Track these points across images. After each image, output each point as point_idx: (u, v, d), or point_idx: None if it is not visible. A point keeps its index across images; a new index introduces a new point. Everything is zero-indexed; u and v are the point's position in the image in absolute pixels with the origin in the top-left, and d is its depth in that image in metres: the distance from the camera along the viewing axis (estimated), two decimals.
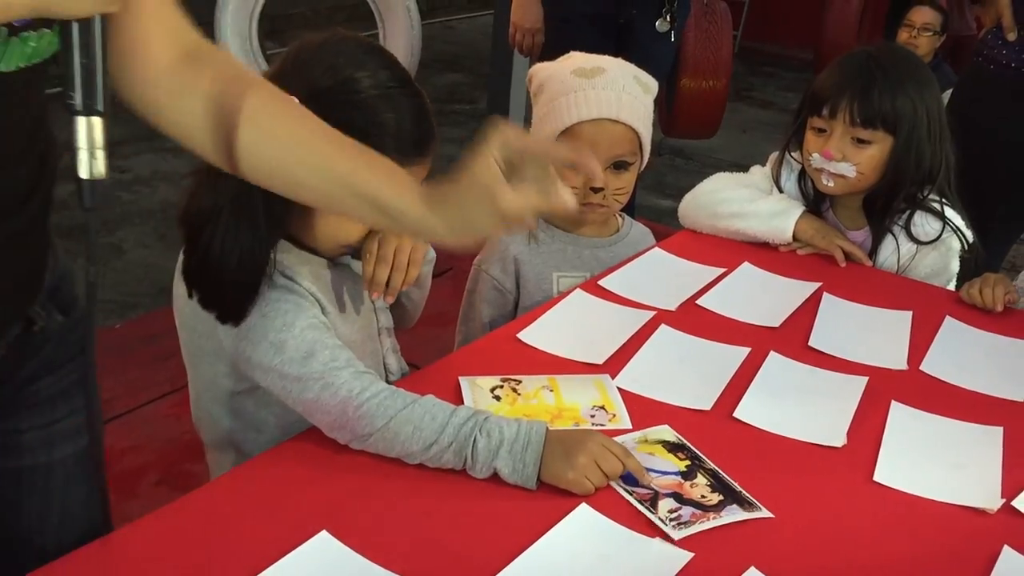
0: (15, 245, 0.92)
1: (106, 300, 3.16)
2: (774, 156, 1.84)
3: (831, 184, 1.70)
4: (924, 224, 1.71)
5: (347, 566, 0.95)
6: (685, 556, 1.00)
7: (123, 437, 2.33)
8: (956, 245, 1.73)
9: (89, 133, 0.80)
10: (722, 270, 1.66)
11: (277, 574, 0.93)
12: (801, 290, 1.61)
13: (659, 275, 1.62)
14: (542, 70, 1.62)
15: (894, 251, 1.73)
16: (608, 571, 0.98)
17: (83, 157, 0.80)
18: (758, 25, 8.06)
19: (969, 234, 1.72)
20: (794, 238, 1.74)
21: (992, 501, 1.11)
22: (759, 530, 1.05)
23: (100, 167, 0.81)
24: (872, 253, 1.74)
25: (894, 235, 1.73)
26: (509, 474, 1.08)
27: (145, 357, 2.62)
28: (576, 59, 1.60)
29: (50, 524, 1.07)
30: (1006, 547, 1.04)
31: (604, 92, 1.53)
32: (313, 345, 1.13)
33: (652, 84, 1.62)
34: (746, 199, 1.76)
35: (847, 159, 1.66)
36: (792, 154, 1.80)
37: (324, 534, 0.98)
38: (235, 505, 1.03)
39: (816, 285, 1.62)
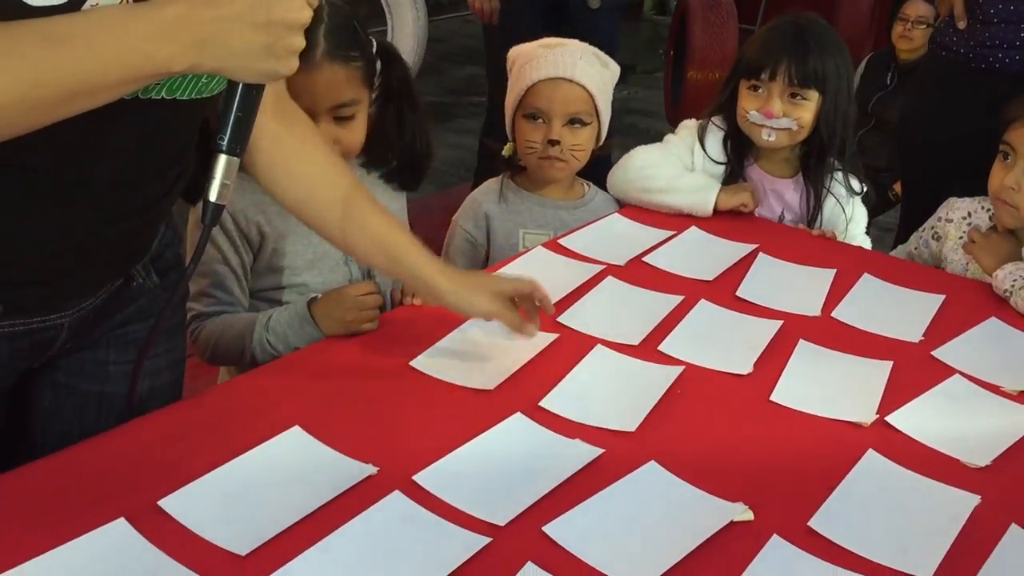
0: (137, 230, 1.14)
1: None
2: (691, 123, 2.05)
3: (772, 138, 1.91)
4: (853, 179, 1.98)
5: (314, 453, 1.16)
6: (596, 451, 1.20)
7: None
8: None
9: (227, 169, 1.01)
10: (672, 232, 1.86)
11: (252, 459, 1.13)
12: (739, 250, 1.80)
13: (615, 236, 1.82)
14: (516, 49, 1.87)
15: (836, 205, 1.97)
16: (533, 464, 1.18)
17: (215, 186, 1.01)
18: (775, 16, 8.18)
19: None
20: (715, 210, 1.93)
21: (867, 416, 1.31)
22: (663, 435, 1.25)
23: (227, 195, 1.01)
24: (813, 213, 1.96)
25: (834, 194, 1.96)
26: (304, 343, 1.42)
27: None
28: (545, 39, 1.83)
29: None
30: (870, 450, 1.23)
31: (561, 57, 1.78)
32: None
33: (613, 65, 1.86)
34: (673, 176, 1.95)
35: (787, 115, 1.88)
36: (714, 120, 2.01)
37: (296, 429, 1.19)
38: (221, 410, 1.25)
39: (754, 246, 1.82)
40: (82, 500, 1.05)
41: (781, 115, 1.88)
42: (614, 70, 1.88)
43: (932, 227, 1.98)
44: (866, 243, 2.06)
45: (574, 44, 1.83)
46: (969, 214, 1.93)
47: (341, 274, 1.59)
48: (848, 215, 1.99)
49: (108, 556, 0.97)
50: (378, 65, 1.58)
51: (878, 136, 3.99)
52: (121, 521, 1.01)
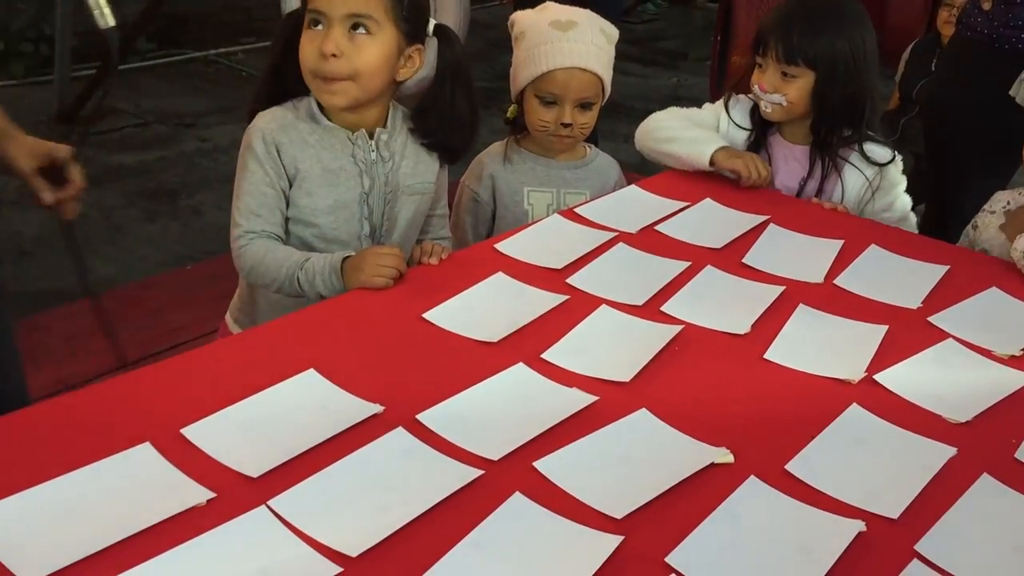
0: None
1: (183, 255, 3.57)
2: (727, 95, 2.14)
3: (769, 110, 1.99)
4: (875, 150, 2.00)
5: (326, 393, 1.25)
6: (590, 399, 1.27)
7: None
8: (900, 163, 2.02)
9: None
10: (687, 204, 1.92)
11: (268, 396, 1.23)
12: (750, 221, 1.86)
13: (630, 206, 1.89)
14: (523, 19, 1.95)
15: (858, 176, 2.00)
16: (530, 408, 1.26)
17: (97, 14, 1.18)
18: None
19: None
20: (712, 163, 2.00)
21: (855, 374, 1.36)
22: (656, 386, 1.32)
23: (110, 19, 1.18)
24: (821, 183, 2.01)
25: (854, 164, 2.00)
26: (327, 292, 1.54)
27: (210, 294, 2.98)
28: (552, 11, 1.93)
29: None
30: (854, 404, 1.29)
31: (576, 44, 1.84)
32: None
33: (614, 33, 1.96)
34: (680, 127, 2.05)
35: (777, 91, 1.95)
36: (738, 94, 2.10)
37: (311, 371, 1.29)
38: (244, 353, 1.35)
39: (765, 218, 1.87)
40: (113, 427, 1.15)
41: (772, 90, 1.96)
42: (616, 37, 1.98)
43: (975, 218, 2.01)
44: (907, 203, 2.05)
45: (584, 22, 1.90)
46: (1009, 202, 1.95)
47: (355, 226, 1.68)
48: (874, 185, 2.01)
49: (134, 474, 1.07)
50: (431, 32, 1.68)
51: (923, 118, 3.99)
52: (147, 445, 1.11)
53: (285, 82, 1.66)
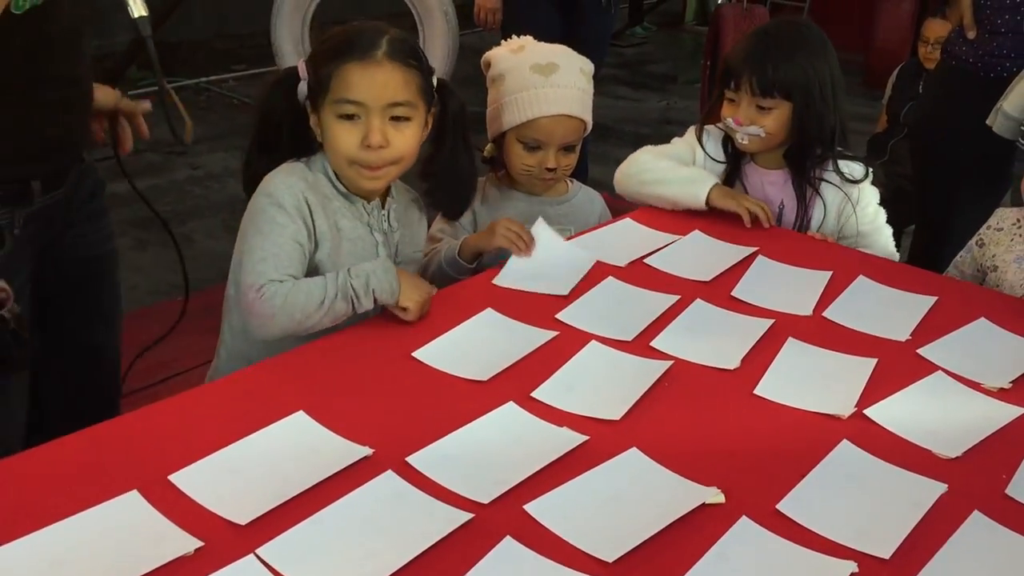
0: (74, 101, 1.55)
1: (175, 284, 3.56)
2: (694, 127, 2.12)
3: (746, 142, 2.00)
4: (848, 167, 2.01)
5: (316, 436, 1.25)
6: (580, 438, 1.27)
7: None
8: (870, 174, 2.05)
9: None
10: (677, 237, 1.92)
11: (257, 439, 1.23)
12: (739, 253, 1.86)
13: (621, 239, 1.90)
14: (500, 60, 1.93)
15: (836, 191, 2.02)
16: (520, 448, 1.25)
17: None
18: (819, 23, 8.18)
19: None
20: (707, 204, 1.98)
21: (845, 409, 1.36)
22: (647, 424, 1.32)
23: (142, 9, 1.36)
24: (802, 208, 2.03)
25: (831, 182, 2.01)
26: (383, 293, 1.49)
27: (203, 326, 2.96)
28: (530, 52, 1.90)
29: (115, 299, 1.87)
30: (845, 440, 1.29)
31: (560, 90, 1.84)
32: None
33: (591, 69, 1.95)
34: (668, 168, 2.04)
35: (754, 123, 1.95)
36: (708, 126, 2.10)
37: (300, 413, 1.28)
38: (232, 396, 1.35)
39: (753, 249, 1.88)
40: (100, 475, 1.14)
41: (748, 123, 1.96)
42: (591, 71, 1.97)
43: (978, 235, 2.00)
44: (881, 216, 2.07)
45: (563, 63, 1.88)
46: (1019, 220, 1.94)
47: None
48: (853, 199, 2.02)
49: (121, 524, 1.07)
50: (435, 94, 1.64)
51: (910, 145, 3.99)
52: (134, 493, 1.11)
53: (275, 151, 1.62)
